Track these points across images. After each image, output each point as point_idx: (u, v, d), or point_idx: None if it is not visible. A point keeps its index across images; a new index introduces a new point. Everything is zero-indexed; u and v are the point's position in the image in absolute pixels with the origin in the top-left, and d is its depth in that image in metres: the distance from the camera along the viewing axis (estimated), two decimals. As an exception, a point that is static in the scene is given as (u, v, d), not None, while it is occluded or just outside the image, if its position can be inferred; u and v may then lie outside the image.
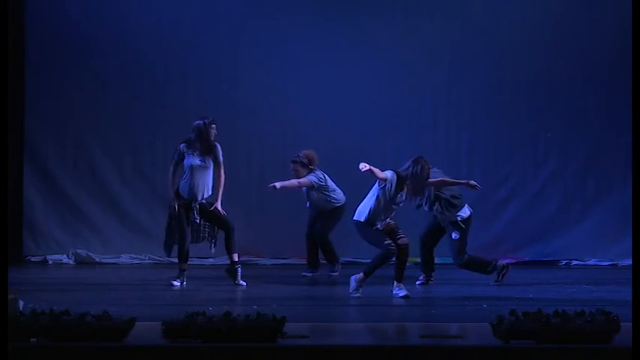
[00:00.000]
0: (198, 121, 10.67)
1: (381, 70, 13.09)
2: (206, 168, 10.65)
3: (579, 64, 13.12)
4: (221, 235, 10.77)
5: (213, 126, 10.66)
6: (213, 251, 10.99)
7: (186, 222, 10.60)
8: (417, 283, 10.79)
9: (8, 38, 7.11)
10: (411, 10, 13.25)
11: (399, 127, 13.07)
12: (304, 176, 11.46)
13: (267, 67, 13.12)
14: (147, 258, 13.06)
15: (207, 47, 13.13)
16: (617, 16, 12.68)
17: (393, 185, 9.57)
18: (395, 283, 9.71)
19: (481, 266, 10.81)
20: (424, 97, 13.07)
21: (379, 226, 9.70)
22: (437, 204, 10.54)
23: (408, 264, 9.83)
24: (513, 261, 12.85)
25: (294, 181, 11.38)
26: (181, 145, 10.63)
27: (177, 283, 10.61)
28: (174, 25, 13.11)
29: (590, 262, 13.04)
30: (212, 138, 10.65)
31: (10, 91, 8.01)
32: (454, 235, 10.63)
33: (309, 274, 11.64)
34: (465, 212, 10.62)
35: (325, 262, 11.75)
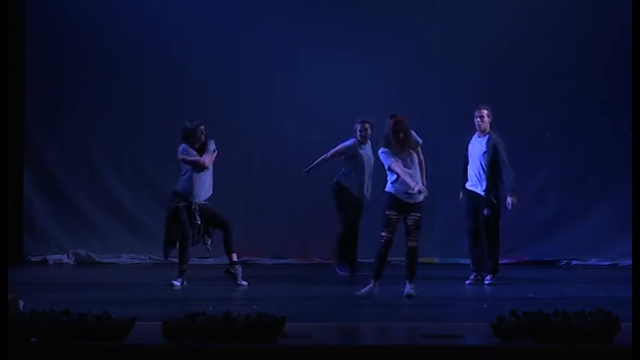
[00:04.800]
0: (186, 124, 10.67)
1: (381, 70, 13.09)
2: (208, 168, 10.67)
3: (579, 64, 13.13)
4: (219, 235, 10.76)
5: (202, 127, 10.64)
6: (209, 249, 10.94)
7: (189, 223, 10.59)
8: (467, 282, 10.82)
9: (8, 38, 7.11)
10: (411, 9, 13.26)
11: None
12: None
13: (267, 67, 13.13)
14: (147, 258, 13.06)
15: (208, 47, 13.13)
16: (617, 15, 12.69)
17: None
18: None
19: (496, 255, 10.81)
20: (424, 97, 13.06)
21: None
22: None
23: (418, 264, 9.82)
24: (513, 261, 12.85)
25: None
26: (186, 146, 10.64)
27: (177, 283, 10.59)
28: (174, 25, 13.12)
29: (590, 262, 13.03)
30: (202, 139, 10.63)
31: (10, 91, 8.01)
32: (486, 212, 10.66)
33: (348, 273, 11.52)
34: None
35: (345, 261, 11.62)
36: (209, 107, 12.72)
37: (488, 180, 10.69)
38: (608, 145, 13.07)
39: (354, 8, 13.18)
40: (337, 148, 11.68)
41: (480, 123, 10.85)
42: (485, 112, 10.88)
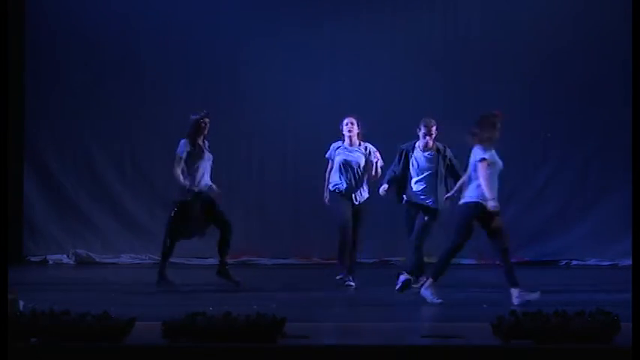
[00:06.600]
0: (193, 116, 10.61)
1: (381, 71, 13.09)
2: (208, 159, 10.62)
3: (579, 64, 13.13)
4: (216, 234, 10.65)
5: (207, 120, 10.59)
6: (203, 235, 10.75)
7: (187, 219, 10.45)
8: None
9: (8, 38, 7.11)
10: (411, 9, 13.27)
11: (398, 127, 13.05)
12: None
13: (267, 66, 13.12)
14: (147, 258, 13.05)
15: (208, 46, 13.13)
16: (617, 16, 12.69)
17: None
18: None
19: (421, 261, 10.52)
20: (424, 97, 13.06)
21: None
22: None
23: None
24: (513, 261, 12.82)
25: None
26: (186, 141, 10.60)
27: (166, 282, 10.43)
28: (174, 25, 13.12)
29: (590, 262, 13.03)
30: (205, 132, 10.57)
31: (10, 91, 8.02)
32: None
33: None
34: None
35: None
36: (209, 107, 12.62)
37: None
38: (608, 145, 13.07)
39: (354, 8, 13.18)
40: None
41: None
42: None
